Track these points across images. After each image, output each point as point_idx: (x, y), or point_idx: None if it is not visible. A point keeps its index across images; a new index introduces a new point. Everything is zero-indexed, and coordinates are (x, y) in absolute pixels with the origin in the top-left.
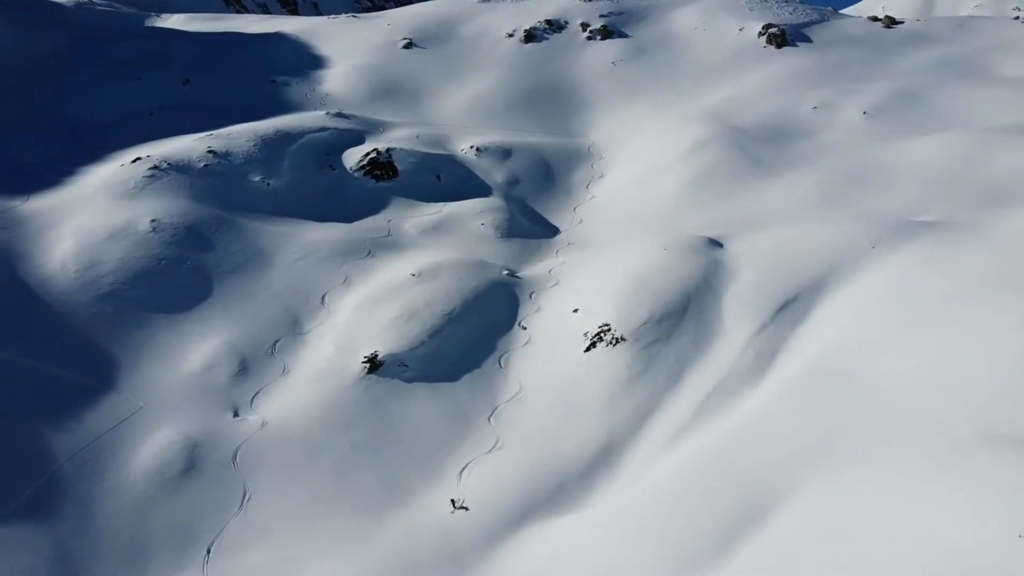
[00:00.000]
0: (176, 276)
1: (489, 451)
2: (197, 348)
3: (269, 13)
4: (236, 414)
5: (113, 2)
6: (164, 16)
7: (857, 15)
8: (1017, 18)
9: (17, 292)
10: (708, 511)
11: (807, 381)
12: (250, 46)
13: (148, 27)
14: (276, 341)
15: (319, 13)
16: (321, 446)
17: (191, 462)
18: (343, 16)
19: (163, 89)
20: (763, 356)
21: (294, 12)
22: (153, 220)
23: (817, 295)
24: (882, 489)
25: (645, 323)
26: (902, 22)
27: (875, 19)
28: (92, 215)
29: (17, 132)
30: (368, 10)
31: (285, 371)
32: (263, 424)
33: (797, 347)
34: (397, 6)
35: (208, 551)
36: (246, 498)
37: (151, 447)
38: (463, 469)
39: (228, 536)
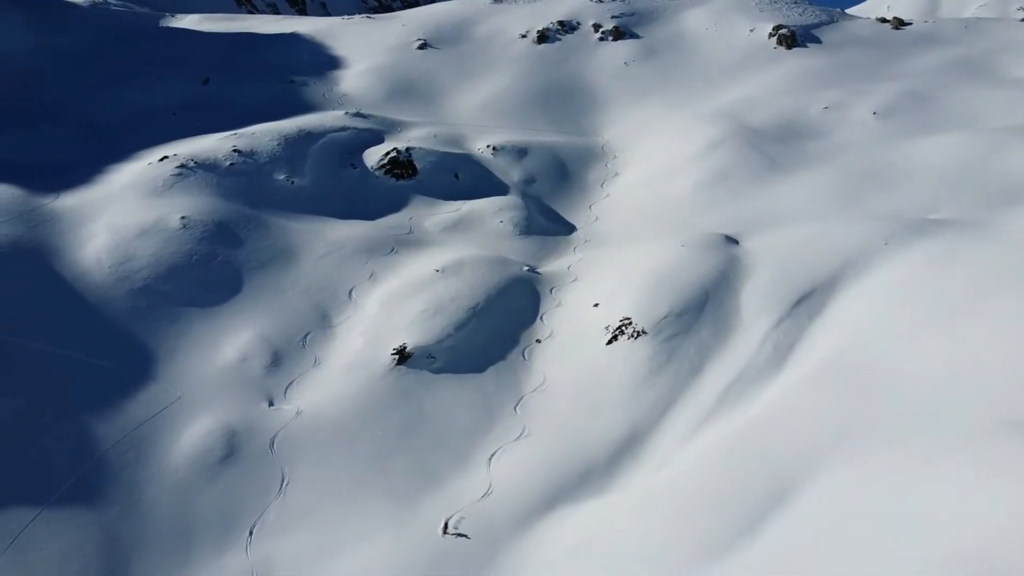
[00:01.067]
0: (207, 271)
1: (516, 439)
2: (230, 340)
3: (278, 12)
4: (271, 403)
5: (127, 2)
6: (178, 16)
7: (865, 16)
8: (1023, 20)
9: (54, 286)
10: (734, 496)
11: (826, 372)
12: (267, 46)
13: (164, 27)
14: (306, 334)
15: (327, 12)
16: (355, 434)
17: (230, 449)
18: (358, 17)
19: (184, 89)
20: (781, 349)
21: (302, 11)
22: (183, 217)
23: (832, 290)
24: (902, 474)
25: (666, 317)
26: (910, 23)
27: (883, 20)
28: (123, 212)
29: (41, 130)
30: (375, 9)
31: (316, 363)
32: (298, 413)
33: (814, 340)
34: (403, 5)
35: (250, 533)
36: (285, 483)
37: (191, 435)
38: (492, 456)
39: (269, 519)
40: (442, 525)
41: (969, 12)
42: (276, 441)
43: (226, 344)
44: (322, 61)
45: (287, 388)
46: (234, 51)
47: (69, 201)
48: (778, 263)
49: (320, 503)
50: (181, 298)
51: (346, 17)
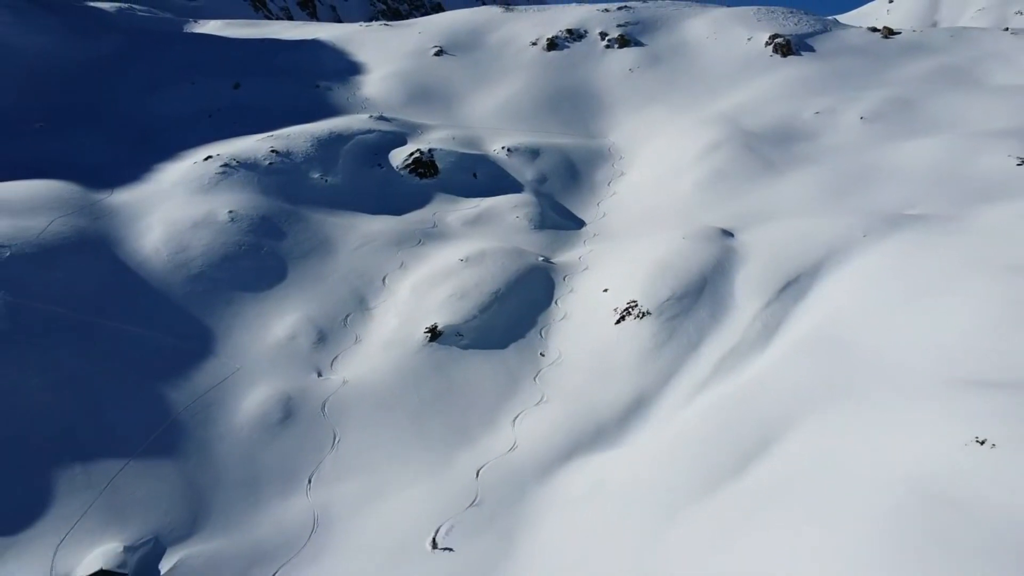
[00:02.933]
0: (255, 260)
1: (537, 404)
2: (280, 321)
3: (291, 16)
4: (319, 374)
5: (150, 7)
6: (201, 22)
7: (858, 25)
8: (1007, 29)
9: (121, 273)
10: (725, 444)
11: (807, 345)
12: (291, 52)
13: (189, 33)
14: (347, 315)
15: (337, 16)
16: (395, 400)
17: (287, 412)
18: (376, 24)
19: (216, 92)
20: (769, 326)
21: (313, 15)
22: (230, 211)
23: (816, 276)
24: (867, 422)
25: (668, 299)
26: (899, 32)
27: (874, 30)
28: (175, 207)
29: (86, 131)
30: (383, 13)
31: (357, 340)
32: (344, 382)
33: (798, 319)
34: (410, 8)
35: (309, 481)
36: (336, 440)
37: (252, 400)
38: (515, 418)
39: (324, 469)
40: (431, 540)
41: (967, 15)
42: (327, 406)
43: (276, 324)
44: (344, 66)
45: (333, 361)
46: (260, 56)
47: (123, 197)
48: (768, 253)
49: (368, 456)
50: (233, 283)
51: (364, 24)
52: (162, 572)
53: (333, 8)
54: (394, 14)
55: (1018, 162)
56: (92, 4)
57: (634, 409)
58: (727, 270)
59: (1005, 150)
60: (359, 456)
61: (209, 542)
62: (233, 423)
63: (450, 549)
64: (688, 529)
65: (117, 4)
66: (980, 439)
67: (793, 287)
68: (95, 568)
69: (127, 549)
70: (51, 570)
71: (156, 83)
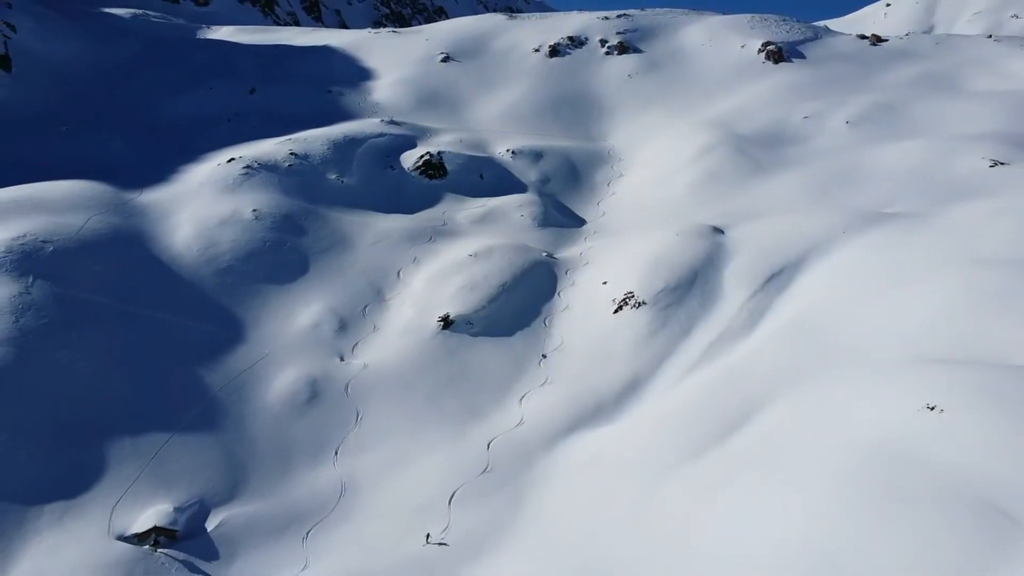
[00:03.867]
0: (279, 255)
1: (542, 385)
2: (304, 311)
3: (297, 20)
4: (342, 359)
5: (163, 14)
6: (213, 28)
7: (849, 32)
8: (990, 36)
9: (155, 266)
10: (711, 416)
11: (787, 330)
12: (303, 58)
13: (205, 39)
14: (366, 306)
15: (342, 20)
16: (412, 382)
17: (313, 392)
18: (384, 30)
19: (233, 97)
20: (755, 314)
21: (318, 19)
22: (255, 210)
23: (798, 269)
24: (836, 395)
25: (662, 291)
26: (887, 40)
27: (863, 37)
28: (202, 205)
29: (109, 134)
30: (387, 16)
31: (375, 328)
32: (364, 366)
33: (781, 307)
34: (413, 12)
35: (336, 453)
36: (359, 417)
37: (281, 382)
38: (522, 398)
39: (349, 443)
40: (425, 536)
41: (964, 19)
42: (349, 387)
43: (300, 313)
44: (354, 72)
45: (354, 347)
46: (273, 62)
47: (152, 196)
48: (755, 248)
49: (388, 431)
50: (260, 276)
51: (373, 31)
52: (208, 530)
53: (338, 12)
54: (397, 17)
55: (991, 164)
56: (108, 11)
57: (630, 389)
58: (717, 264)
59: (979, 152)
60: (381, 431)
61: (248, 505)
62: (265, 402)
63: (444, 544)
64: (677, 488)
65: (132, 10)
66: (931, 406)
67: (777, 279)
68: (149, 525)
69: (176, 510)
70: (108, 528)
71: (174, 88)
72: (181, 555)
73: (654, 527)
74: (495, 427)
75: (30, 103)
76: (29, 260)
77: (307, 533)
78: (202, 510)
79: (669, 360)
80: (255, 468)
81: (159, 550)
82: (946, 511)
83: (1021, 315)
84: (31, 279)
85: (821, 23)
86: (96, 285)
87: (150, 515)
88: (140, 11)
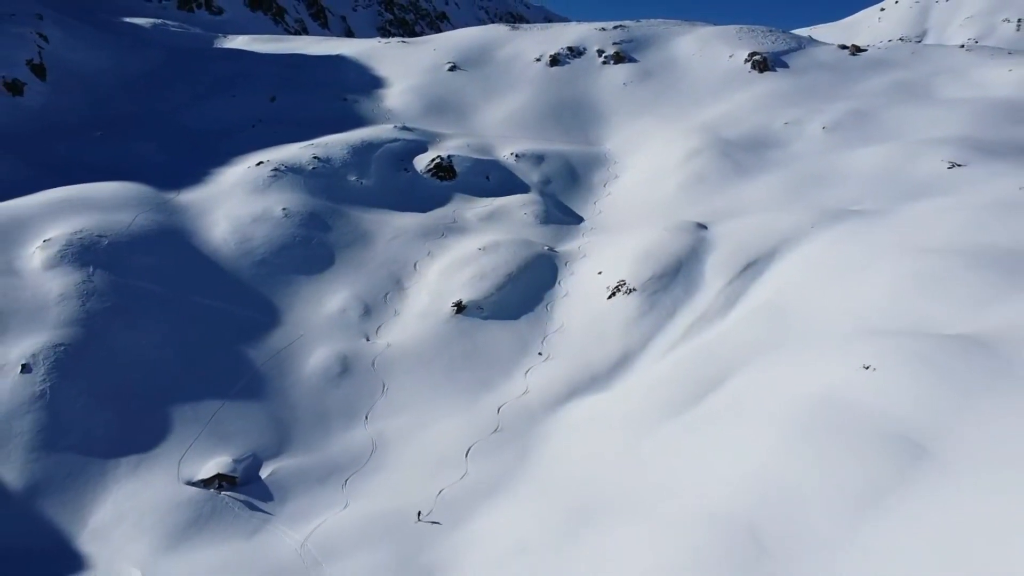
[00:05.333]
0: (308, 249)
1: (544, 361)
2: (331, 298)
3: (305, 27)
4: (368, 339)
5: (180, 23)
6: (230, 37)
7: (831, 43)
8: (962, 46)
9: (197, 258)
10: (688, 382)
11: (757, 311)
12: (319, 67)
13: (225, 48)
14: (387, 293)
15: (347, 26)
16: (430, 358)
17: (344, 367)
18: (394, 41)
19: (255, 104)
20: (730, 299)
21: (325, 25)
22: (284, 208)
23: (770, 260)
24: (792, 362)
25: (650, 279)
26: (866, 49)
27: (843, 47)
28: (236, 204)
29: (140, 139)
30: (391, 22)
31: (396, 313)
32: (388, 345)
33: (753, 293)
34: (416, 18)
35: (366, 417)
36: (385, 388)
37: (315, 358)
38: (527, 371)
39: (377, 409)
40: (416, 514)
41: (956, 23)
42: (375, 362)
43: (328, 300)
44: (367, 80)
45: (377, 329)
46: (290, 71)
47: (189, 196)
48: (734, 241)
49: (411, 400)
50: (291, 268)
51: (383, 40)
52: (263, 477)
53: (343, 18)
54: (401, 23)
55: (949, 165)
56: (129, 20)
57: (621, 363)
58: (699, 255)
59: (940, 155)
60: (404, 400)
61: (294, 458)
62: (302, 375)
63: (436, 523)
64: (657, 440)
65: (151, 20)
66: (867, 366)
67: (751, 268)
68: (213, 473)
69: (235, 461)
70: (178, 475)
71: (199, 95)
72: (242, 496)
73: (636, 472)
74: (504, 395)
75: (65, 110)
76: (88, 252)
77: (346, 481)
78: (256, 462)
79: (655, 339)
80: (298, 429)
81: (223, 492)
82: (869, 443)
83: (956, 294)
84: (92, 269)
85: (816, 28)
86: (147, 274)
87: (212, 465)
88: (159, 21)
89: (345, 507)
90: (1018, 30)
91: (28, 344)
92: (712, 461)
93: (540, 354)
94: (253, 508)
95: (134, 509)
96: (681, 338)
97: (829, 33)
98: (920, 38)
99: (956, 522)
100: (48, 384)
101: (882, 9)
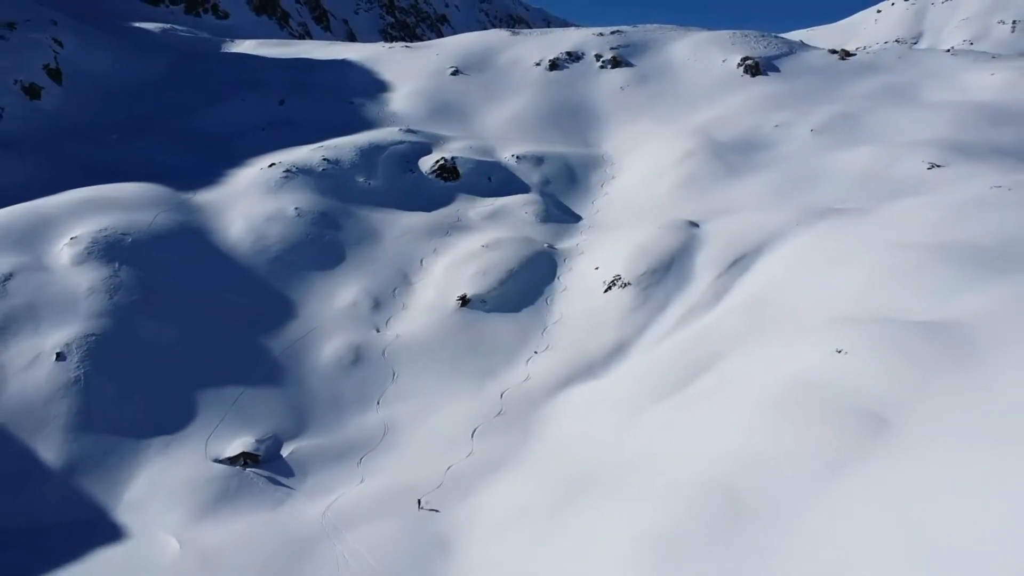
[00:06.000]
0: (319, 247)
1: (544, 350)
2: (343, 292)
3: (308, 30)
4: (378, 330)
5: (188, 28)
6: (237, 41)
7: (822, 47)
8: (948, 50)
9: (215, 255)
10: (678, 368)
11: (743, 303)
12: (325, 71)
13: (233, 53)
14: (395, 288)
15: (349, 29)
16: (437, 348)
17: (356, 356)
18: (398, 45)
19: (265, 108)
20: (719, 292)
21: (327, 29)
22: (296, 208)
23: (757, 255)
24: (772, 347)
25: (644, 273)
26: (854, 54)
27: (833, 51)
28: (251, 204)
29: (155, 142)
30: (392, 25)
31: (404, 306)
32: (397, 336)
33: (740, 286)
34: (416, 21)
35: (378, 402)
36: (395, 376)
37: (329, 348)
38: (528, 360)
39: (388, 395)
40: (416, 501)
41: (952, 25)
42: (386, 352)
43: (340, 295)
44: (372, 84)
45: (387, 321)
46: (298, 75)
47: (205, 196)
48: (724, 238)
49: (419, 386)
50: (304, 264)
51: (387, 45)
52: (284, 455)
53: (345, 21)
54: (402, 26)
55: (929, 166)
56: (139, 25)
57: (615, 352)
58: (691, 251)
59: (922, 156)
60: (413, 386)
61: (313, 439)
62: (318, 363)
63: (436, 510)
64: (648, 418)
65: (160, 25)
66: (840, 350)
67: (739, 263)
68: (238, 451)
69: (258, 441)
70: (205, 453)
71: (209, 99)
72: (265, 472)
73: (628, 447)
74: (506, 382)
75: (80, 113)
76: (113, 249)
77: (361, 459)
78: (277, 442)
79: (648, 329)
80: (315, 413)
81: (248, 469)
82: (837, 418)
83: (926, 285)
84: (117, 264)
85: (814, 29)
86: (169, 270)
87: (237, 444)
88: (167, 25)
89: (361, 482)
90: (1013, 31)
91: (62, 334)
92: (697, 436)
93: (535, 353)
94: (276, 483)
95: (167, 484)
96: (672, 328)
97: (827, 35)
98: (916, 39)
99: (909, 483)
100: (82, 371)
101: (878, 11)
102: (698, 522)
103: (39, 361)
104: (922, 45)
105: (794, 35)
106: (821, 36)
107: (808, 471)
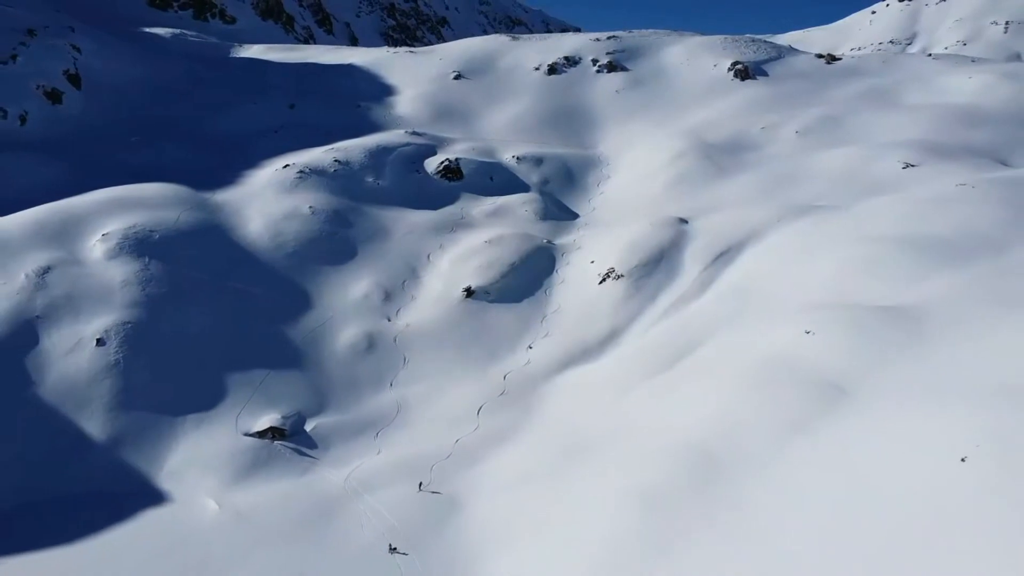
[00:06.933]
0: (333, 243)
1: (544, 337)
2: (356, 285)
3: (312, 34)
4: (389, 320)
5: (197, 32)
6: (245, 46)
7: (808, 52)
8: (930, 55)
9: (236, 251)
10: (664, 351)
11: (726, 293)
12: (332, 75)
13: (242, 57)
14: (404, 281)
15: (351, 32)
16: (445, 336)
17: (370, 343)
18: (402, 50)
19: (275, 112)
20: (705, 283)
21: (330, 32)
22: (310, 206)
23: (741, 249)
24: (748, 331)
25: (636, 266)
26: (840, 58)
27: (820, 56)
28: (267, 203)
29: (173, 144)
30: (393, 28)
31: (413, 298)
32: (407, 325)
33: (724, 277)
34: (417, 24)
35: (391, 384)
36: (406, 361)
37: (345, 336)
38: (529, 346)
39: (400, 378)
40: (418, 484)
41: (945, 26)
42: (397, 339)
43: (353, 287)
44: (378, 88)
45: (397, 311)
46: (306, 79)
47: (224, 196)
48: (711, 234)
49: (429, 370)
50: (319, 259)
51: (391, 50)
52: (307, 430)
53: (347, 25)
54: (403, 28)
55: (903, 166)
56: (149, 31)
57: (609, 338)
58: (680, 246)
59: (897, 157)
60: (423, 370)
61: (332, 416)
62: (334, 349)
63: (437, 492)
64: (636, 395)
65: (170, 30)
66: (808, 331)
67: (724, 256)
68: (267, 426)
69: (283, 417)
70: (236, 428)
71: (222, 103)
72: (291, 445)
73: (619, 418)
74: (509, 366)
75: (99, 117)
76: (143, 245)
77: (377, 433)
78: (300, 418)
79: (639, 317)
80: (334, 393)
81: (275, 441)
82: (802, 389)
83: (890, 274)
84: (147, 259)
85: (810, 31)
86: (195, 264)
87: (265, 420)
88: (177, 31)
89: (378, 453)
90: (1006, 32)
91: (100, 322)
92: (679, 407)
93: (545, 333)
94: (302, 454)
95: (202, 456)
96: (661, 316)
97: (822, 36)
98: (910, 41)
99: (858, 440)
100: (120, 355)
101: (873, 12)
102: (678, 476)
103: (80, 346)
104: (916, 46)
105: (790, 36)
106: (817, 38)
107: (774, 432)
